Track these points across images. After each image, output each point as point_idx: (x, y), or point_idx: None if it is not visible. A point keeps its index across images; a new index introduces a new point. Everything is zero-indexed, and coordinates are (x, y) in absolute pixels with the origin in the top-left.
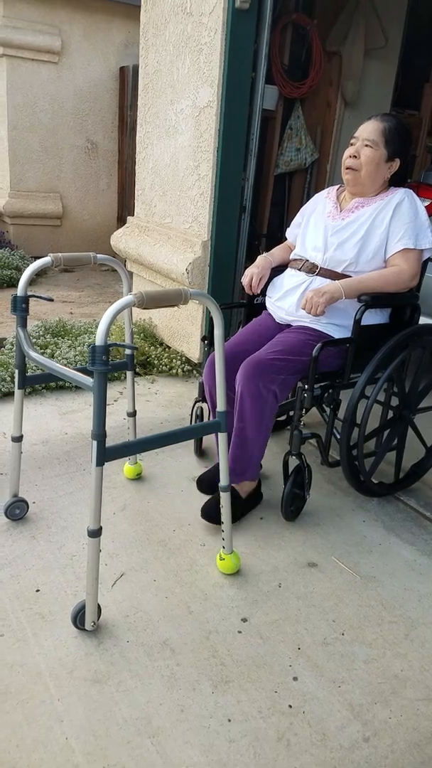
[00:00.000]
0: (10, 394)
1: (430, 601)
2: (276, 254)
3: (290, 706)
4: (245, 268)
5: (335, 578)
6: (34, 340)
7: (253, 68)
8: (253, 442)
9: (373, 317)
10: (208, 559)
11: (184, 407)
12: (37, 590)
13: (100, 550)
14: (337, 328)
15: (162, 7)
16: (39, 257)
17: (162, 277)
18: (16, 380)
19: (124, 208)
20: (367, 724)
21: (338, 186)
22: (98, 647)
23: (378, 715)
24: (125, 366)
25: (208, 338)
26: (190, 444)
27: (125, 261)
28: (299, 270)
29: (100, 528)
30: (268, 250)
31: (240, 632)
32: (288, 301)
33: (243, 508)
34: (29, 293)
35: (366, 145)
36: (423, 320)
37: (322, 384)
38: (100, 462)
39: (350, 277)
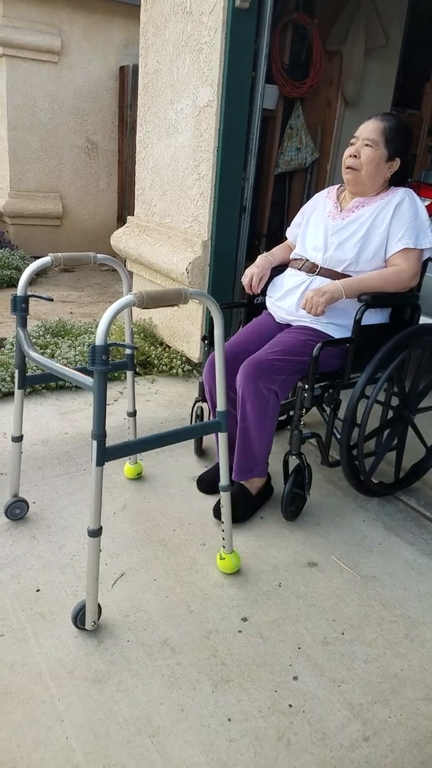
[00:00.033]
0: (10, 394)
1: (430, 601)
2: (276, 254)
3: (290, 706)
4: (245, 267)
5: (335, 578)
6: (34, 340)
7: (253, 68)
8: (258, 441)
9: (374, 317)
10: (209, 558)
11: (184, 407)
12: (38, 590)
13: (101, 550)
14: (337, 327)
15: (162, 6)
16: (39, 257)
17: (162, 276)
18: (16, 380)
19: (124, 207)
20: (367, 724)
21: (338, 186)
22: (98, 647)
23: (378, 714)
24: (125, 366)
25: (208, 338)
26: (191, 444)
27: (125, 261)
28: (299, 270)
29: (101, 528)
30: (268, 249)
31: (240, 632)
32: (288, 300)
33: (254, 504)
34: (29, 293)
35: (366, 145)
36: (423, 320)
37: (322, 384)
38: (100, 462)
39: (350, 276)
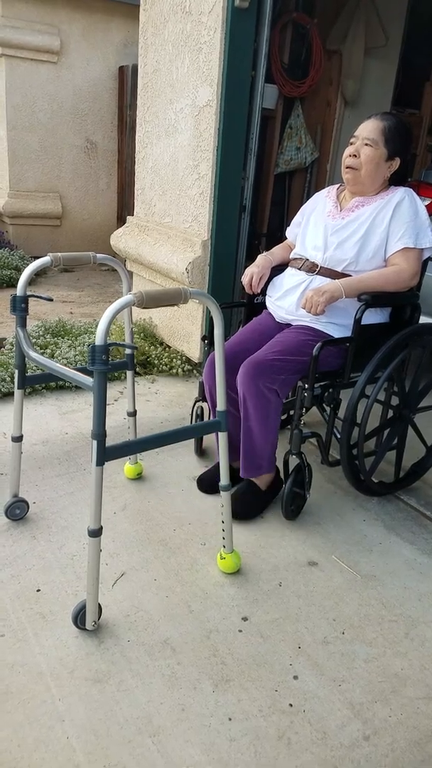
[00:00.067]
0: (10, 394)
1: (430, 600)
2: (276, 253)
3: (291, 705)
4: (245, 267)
5: (335, 577)
6: (34, 340)
7: (253, 67)
8: (262, 439)
9: (373, 316)
10: (209, 558)
11: (184, 407)
12: (38, 590)
13: (101, 550)
14: (337, 327)
15: (161, 6)
16: (38, 257)
17: (162, 276)
18: (16, 380)
19: (124, 207)
20: (367, 723)
21: (338, 185)
22: (99, 647)
23: (378, 713)
24: (125, 366)
25: (208, 338)
26: (191, 443)
27: (125, 260)
28: (299, 269)
29: (101, 528)
30: (268, 249)
31: (240, 631)
32: (288, 300)
33: (264, 499)
34: (29, 293)
35: (366, 144)
36: (423, 319)
37: (322, 383)
38: (101, 462)
39: (350, 276)
